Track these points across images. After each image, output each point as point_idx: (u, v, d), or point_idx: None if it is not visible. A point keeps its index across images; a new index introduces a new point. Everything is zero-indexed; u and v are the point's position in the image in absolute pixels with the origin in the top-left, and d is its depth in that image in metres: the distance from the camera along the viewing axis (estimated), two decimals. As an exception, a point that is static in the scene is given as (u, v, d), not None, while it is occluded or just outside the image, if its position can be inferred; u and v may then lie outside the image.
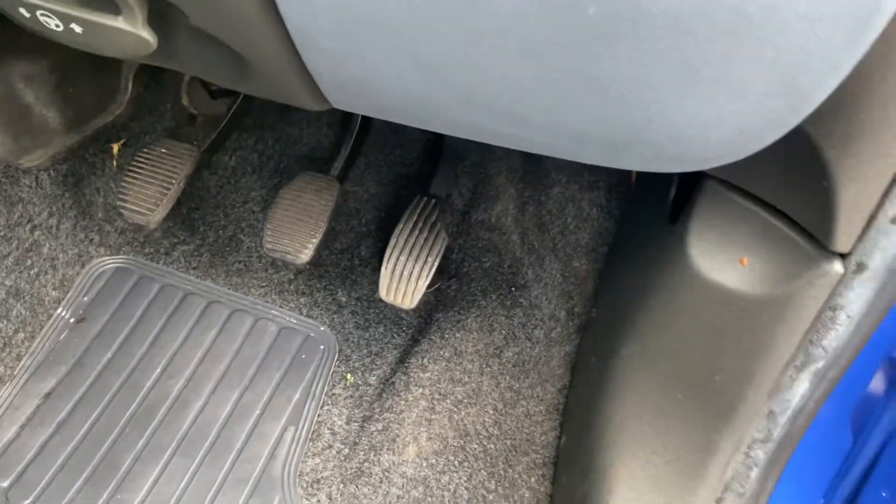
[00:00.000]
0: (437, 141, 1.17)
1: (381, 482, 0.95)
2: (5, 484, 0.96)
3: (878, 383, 0.86)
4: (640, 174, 0.96)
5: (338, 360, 1.09)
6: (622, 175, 1.02)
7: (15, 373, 1.03)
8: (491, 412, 1.00)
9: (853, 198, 0.55)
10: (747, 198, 0.64)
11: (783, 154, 0.55)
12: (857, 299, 0.59)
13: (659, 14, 0.41)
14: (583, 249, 1.02)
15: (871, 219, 0.56)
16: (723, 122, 0.49)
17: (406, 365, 1.05)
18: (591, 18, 0.42)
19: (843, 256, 0.59)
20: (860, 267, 0.58)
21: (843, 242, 0.58)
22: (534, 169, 1.07)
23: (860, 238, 0.57)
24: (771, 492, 0.70)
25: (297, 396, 1.05)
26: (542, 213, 1.06)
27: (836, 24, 0.39)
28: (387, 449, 0.98)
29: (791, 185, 0.60)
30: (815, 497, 0.79)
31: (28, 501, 0.95)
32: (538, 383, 1.00)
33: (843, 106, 0.53)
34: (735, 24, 0.40)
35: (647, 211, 0.83)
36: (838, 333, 0.60)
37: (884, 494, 0.79)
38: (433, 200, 1.07)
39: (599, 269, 0.99)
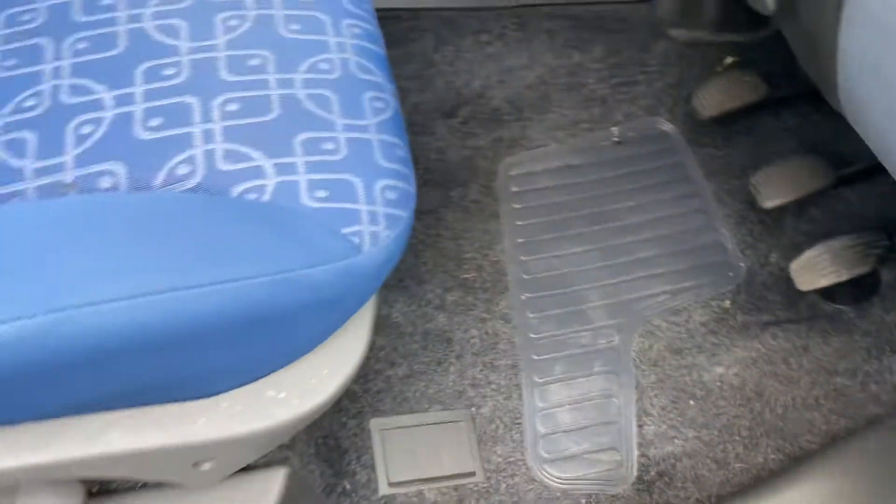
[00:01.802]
0: None
1: (688, 370, 1.25)
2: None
3: None
4: None
5: (731, 289, 1.36)
6: None
7: (558, 140, 1.55)
8: (787, 402, 1.20)
9: None
10: None
11: None
12: None
13: None
14: None
15: None
16: None
17: (771, 331, 1.28)
18: None
19: None
20: None
21: None
22: None
23: None
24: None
25: (681, 285, 1.37)
26: None
27: None
28: (705, 357, 1.26)
29: None
30: None
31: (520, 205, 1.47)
32: (839, 417, 1.16)
33: None
34: None
35: None
36: None
37: None
38: (887, 242, 1.22)
39: None
